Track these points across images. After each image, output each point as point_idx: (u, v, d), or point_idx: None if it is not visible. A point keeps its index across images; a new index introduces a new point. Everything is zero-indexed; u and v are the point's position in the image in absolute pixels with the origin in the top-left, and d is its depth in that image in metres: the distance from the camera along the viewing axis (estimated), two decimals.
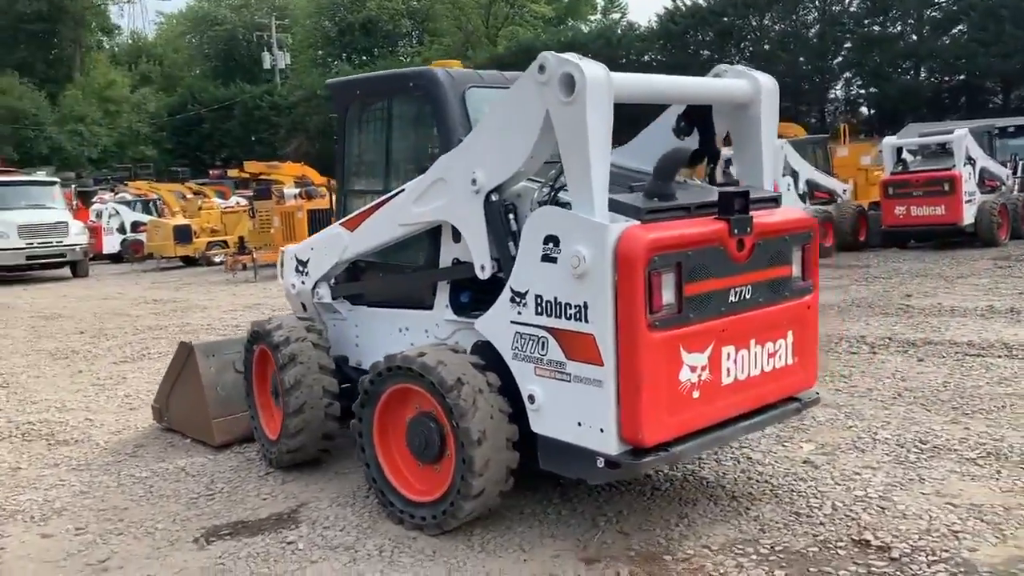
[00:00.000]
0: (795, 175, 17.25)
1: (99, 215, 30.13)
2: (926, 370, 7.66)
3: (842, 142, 22.48)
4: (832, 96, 35.86)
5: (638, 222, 4.07)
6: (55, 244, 23.49)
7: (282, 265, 6.19)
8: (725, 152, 17.86)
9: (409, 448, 4.78)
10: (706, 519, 4.66)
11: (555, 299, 4.22)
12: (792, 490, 5.01)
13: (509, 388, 4.48)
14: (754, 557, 4.19)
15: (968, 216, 16.42)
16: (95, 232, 29.09)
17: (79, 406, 8.03)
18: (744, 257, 4.39)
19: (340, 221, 5.66)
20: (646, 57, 37.49)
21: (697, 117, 5.02)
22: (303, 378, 5.40)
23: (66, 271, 24.30)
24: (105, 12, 65.59)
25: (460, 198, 4.70)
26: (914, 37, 32.79)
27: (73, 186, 31.60)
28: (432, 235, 5.15)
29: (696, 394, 4.22)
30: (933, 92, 32.39)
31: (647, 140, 5.37)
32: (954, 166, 16.36)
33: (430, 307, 5.24)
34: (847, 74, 34.38)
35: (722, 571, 4.06)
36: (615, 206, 4.15)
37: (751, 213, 4.43)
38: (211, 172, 38.69)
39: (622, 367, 3.99)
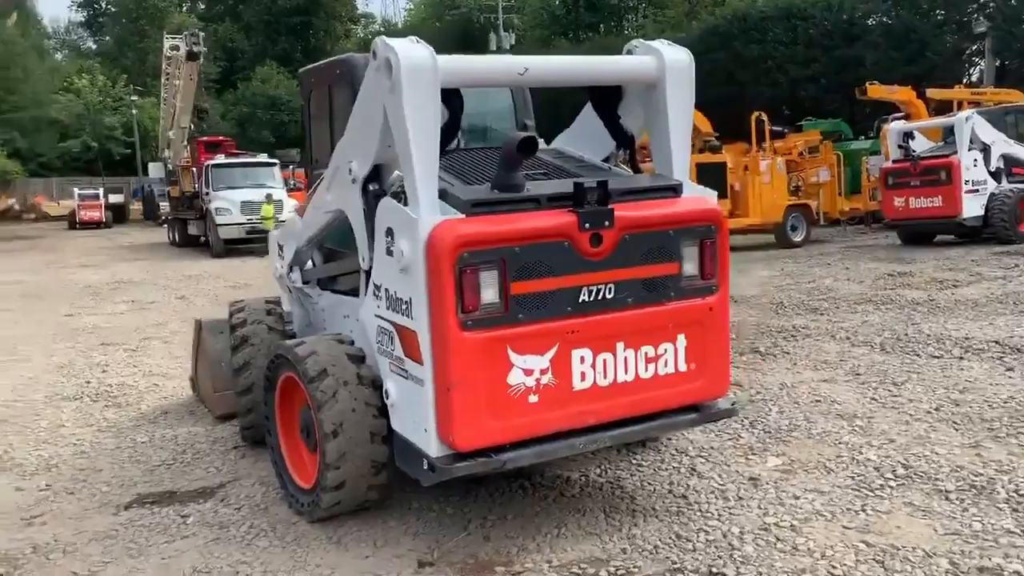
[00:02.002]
0: (986, 149, 15.19)
1: None
2: (1004, 382, 6.56)
3: None
4: None
5: (462, 216, 3.86)
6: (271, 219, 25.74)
7: (271, 251, 6.46)
8: (901, 125, 16.16)
9: (301, 435, 4.86)
10: (581, 532, 4.35)
11: (395, 293, 4.12)
12: (702, 511, 4.54)
13: None
14: None
15: None
16: None
17: (160, 372, 8.85)
18: (602, 253, 4.02)
19: (297, 208, 5.82)
20: (871, 20, 34.42)
21: (597, 100, 4.63)
22: (252, 359, 5.64)
23: None
24: (352, 2, 70.45)
25: (346, 187, 4.67)
26: None
27: (291, 166, 34.27)
28: None
29: (534, 398, 3.94)
30: None
31: (582, 124, 5.05)
32: None
33: (358, 295, 5.26)
34: None
35: None
36: (447, 198, 3.96)
37: (614, 204, 4.04)
38: None
39: (435, 367, 3.82)
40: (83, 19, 69.87)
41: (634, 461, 5.29)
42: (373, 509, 4.70)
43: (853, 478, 4.86)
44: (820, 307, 10.18)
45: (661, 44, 4.46)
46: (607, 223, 4.00)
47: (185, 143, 31.96)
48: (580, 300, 4.01)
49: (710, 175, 17.11)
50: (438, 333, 3.78)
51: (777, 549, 4.04)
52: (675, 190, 4.37)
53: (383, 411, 4.40)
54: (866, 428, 5.69)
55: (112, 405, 7.57)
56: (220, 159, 27.61)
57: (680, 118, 4.44)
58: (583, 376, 4.05)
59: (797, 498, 4.63)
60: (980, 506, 4.39)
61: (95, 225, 41.19)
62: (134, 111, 51.69)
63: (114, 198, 44.85)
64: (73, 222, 41.40)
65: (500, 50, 57.87)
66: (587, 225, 3.96)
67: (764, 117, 19.28)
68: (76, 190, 43.12)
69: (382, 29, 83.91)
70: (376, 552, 4.27)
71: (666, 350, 4.25)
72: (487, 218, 3.86)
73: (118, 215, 44.27)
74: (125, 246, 30.67)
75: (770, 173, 18.18)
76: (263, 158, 29.32)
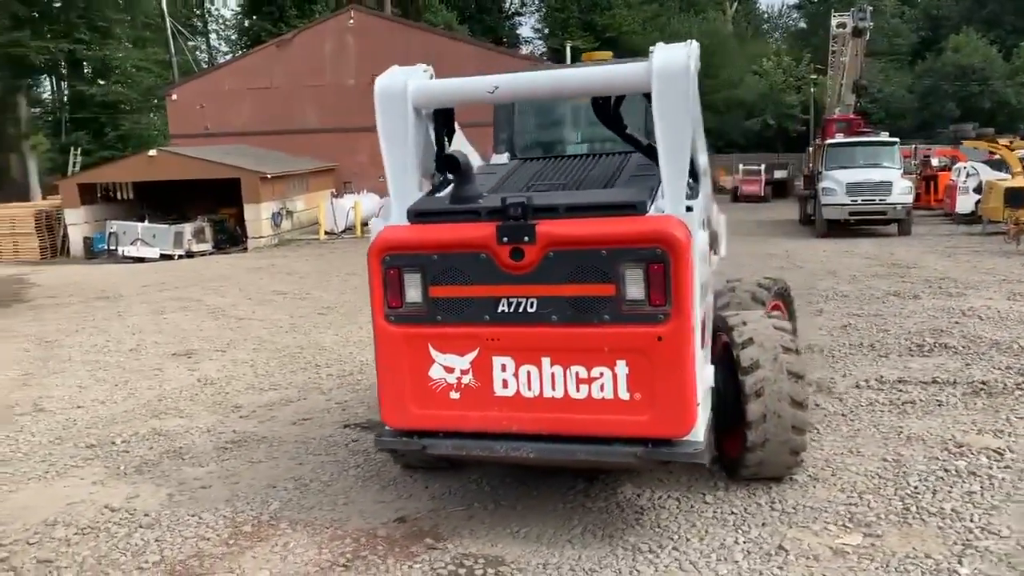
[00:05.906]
0: None
1: (958, 173, 29.65)
2: None
3: None
4: None
5: (407, 223, 4.34)
6: (877, 202, 24.79)
7: None
8: None
9: None
10: (533, 539, 4.46)
11: None
12: (676, 557, 4.15)
13: None
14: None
15: None
16: (951, 191, 28.93)
17: None
18: (524, 267, 4.07)
19: None
20: None
21: (597, 110, 4.40)
22: None
23: (891, 228, 25.18)
24: None
25: None
26: None
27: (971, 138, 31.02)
28: None
29: (455, 395, 4.28)
30: None
31: None
32: None
33: None
34: None
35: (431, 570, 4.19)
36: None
37: (545, 220, 4.02)
38: None
39: (375, 353, 4.44)
40: (797, 1, 72.85)
41: (718, 497, 4.83)
42: (465, 472, 5.36)
43: None
44: None
45: (663, 47, 4.07)
46: (527, 238, 4.02)
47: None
48: (499, 310, 4.13)
49: None
50: (374, 323, 4.39)
51: None
52: (635, 207, 4.03)
53: None
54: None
55: None
56: (839, 138, 27.42)
57: (672, 129, 4.00)
58: (505, 384, 4.18)
59: None
60: None
61: (754, 199, 43.87)
62: (812, 89, 53.06)
63: (779, 173, 47.03)
64: (735, 195, 44.82)
65: None
66: (505, 239, 4.05)
67: None
68: (740, 165, 46.49)
69: None
70: (396, 500, 5.07)
71: (602, 374, 4.05)
72: (420, 227, 4.28)
73: (779, 190, 46.31)
74: (764, 221, 32.17)
75: None
76: (885, 136, 28.04)
